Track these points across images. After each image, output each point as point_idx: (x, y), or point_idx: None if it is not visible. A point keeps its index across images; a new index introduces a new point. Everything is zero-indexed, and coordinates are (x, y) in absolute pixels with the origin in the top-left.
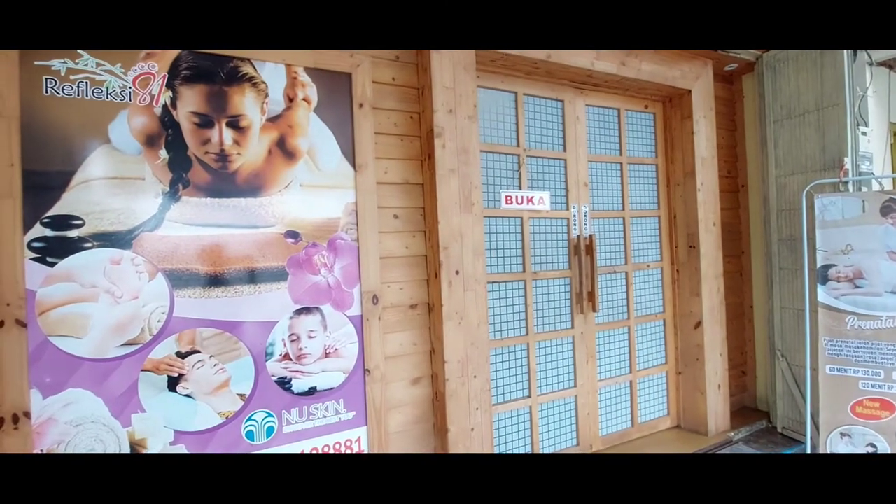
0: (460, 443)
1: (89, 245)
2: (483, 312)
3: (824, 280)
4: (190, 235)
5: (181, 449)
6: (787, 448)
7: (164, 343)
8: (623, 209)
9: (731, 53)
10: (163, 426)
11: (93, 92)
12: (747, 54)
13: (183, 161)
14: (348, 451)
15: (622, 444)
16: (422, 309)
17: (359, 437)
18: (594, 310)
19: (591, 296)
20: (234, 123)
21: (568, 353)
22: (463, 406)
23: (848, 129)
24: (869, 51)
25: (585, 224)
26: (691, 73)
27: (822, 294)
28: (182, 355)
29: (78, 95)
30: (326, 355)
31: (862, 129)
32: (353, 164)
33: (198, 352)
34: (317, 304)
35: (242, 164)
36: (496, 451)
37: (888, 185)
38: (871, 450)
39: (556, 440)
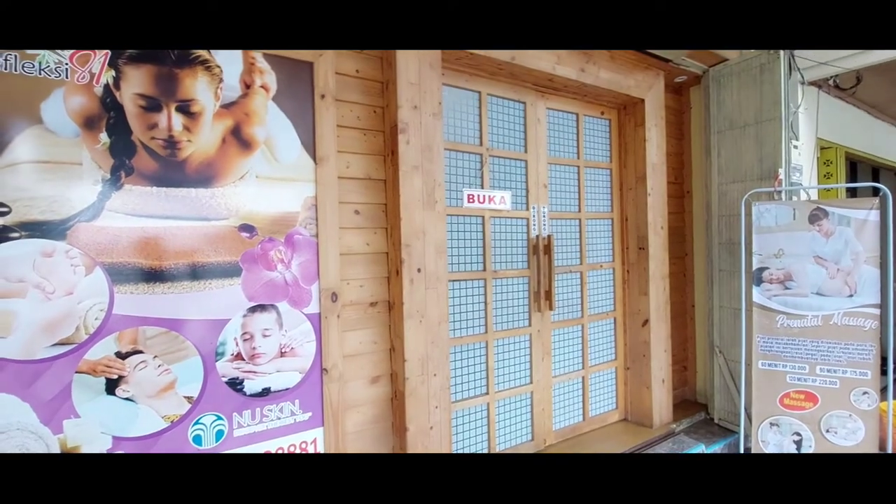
0: (419, 441)
1: (16, 235)
2: (444, 310)
3: (759, 281)
4: (133, 227)
5: None
6: (723, 438)
7: (102, 343)
8: (579, 211)
9: (682, 66)
10: (100, 432)
11: (23, 66)
12: (696, 67)
13: (126, 146)
14: (303, 453)
15: (574, 437)
16: (382, 307)
17: (315, 439)
18: (551, 308)
19: (549, 294)
20: (185, 108)
21: (525, 350)
22: (422, 404)
23: (783, 142)
24: (801, 70)
25: (544, 224)
26: (645, 83)
27: (757, 294)
28: (122, 356)
29: (6, 69)
30: (282, 354)
31: (794, 142)
32: (314, 157)
33: (140, 352)
34: (272, 302)
35: (193, 152)
36: (454, 447)
37: (814, 196)
38: (796, 438)
39: (511, 436)
